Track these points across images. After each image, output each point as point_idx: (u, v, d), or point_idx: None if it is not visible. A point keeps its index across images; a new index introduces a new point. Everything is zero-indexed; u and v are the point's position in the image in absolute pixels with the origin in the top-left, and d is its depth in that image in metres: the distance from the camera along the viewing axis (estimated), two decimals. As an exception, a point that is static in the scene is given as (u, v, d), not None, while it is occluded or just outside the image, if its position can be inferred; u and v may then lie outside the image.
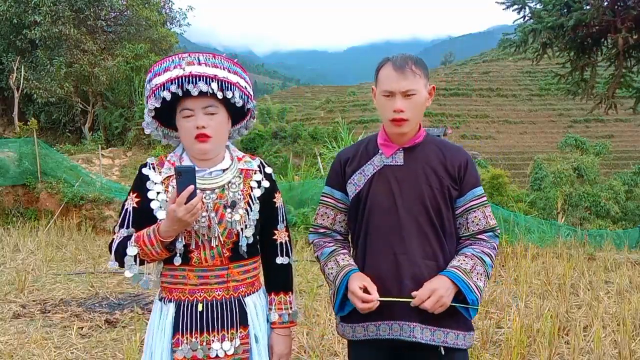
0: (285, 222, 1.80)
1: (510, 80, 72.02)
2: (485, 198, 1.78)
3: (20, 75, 15.16)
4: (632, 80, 10.12)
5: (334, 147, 11.22)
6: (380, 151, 1.77)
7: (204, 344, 1.59)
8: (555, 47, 10.12)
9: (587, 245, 8.31)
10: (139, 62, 16.06)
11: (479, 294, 1.65)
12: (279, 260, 1.76)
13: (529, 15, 9.94)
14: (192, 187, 1.47)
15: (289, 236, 1.81)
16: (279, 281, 1.78)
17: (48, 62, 15.31)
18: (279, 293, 1.77)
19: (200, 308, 1.60)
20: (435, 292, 1.59)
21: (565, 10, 9.50)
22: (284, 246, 1.78)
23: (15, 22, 15.27)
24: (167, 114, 1.66)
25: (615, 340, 3.54)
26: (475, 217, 1.74)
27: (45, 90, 15.06)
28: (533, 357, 3.33)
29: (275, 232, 1.77)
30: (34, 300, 4.90)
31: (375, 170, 1.76)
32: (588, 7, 9.13)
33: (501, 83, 71.06)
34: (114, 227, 1.67)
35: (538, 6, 9.82)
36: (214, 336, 1.60)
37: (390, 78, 1.67)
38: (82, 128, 16.77)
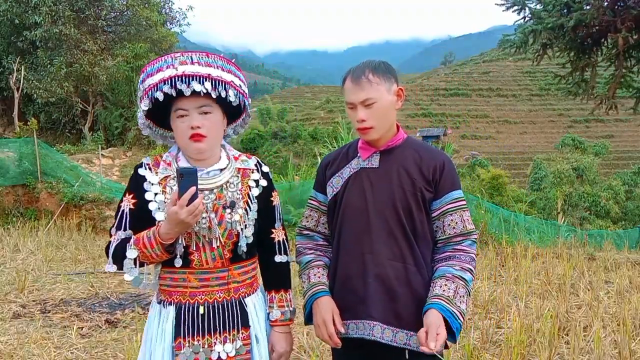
0: (281, 220, 1.81)
1: (510, 80, 72.05)
2: (464, 202, 1.76)
3: (21, 75, 15.16)
4: (632, 80, 10.13)
5: (334, 147, 11.22)
6: (358, 154, 1.81)
7: (206, 346, 1.59)
8: (556, 47, 10.13)
9: (587, 245, 8.31)
10: (139, 62, 16.05)
11: (462, 319, 1.65)
12: (278, 258, 1.77)
13: (529, 16, 9.95)
14: (194, 188, 1.46)
15: (285, 234, 1.82)
16: (279, 279, 1.79)
17: (48, 62, 15.31)
18: (279, 291, 1.77)
19: (202, 311, 1.59)
20: (431, 329, 1.57)
21: (565, 11, 9.51)
22: (282, 244, 1.79)
23: (17, 22, 15.28)
24: (162, 114, 1.65)
25: (615, 340, 3.54)
26: (452, 220, 1.73)
27: (46, 91, 15.06)
28: (533, 357, 3.33)
29: (273, 230, 1.77)
30: (34, 300, 4.90)
31: (351, 173, 1.79)
32: (588, 8, 9.14)
33: (501, 83, 71.09)
34: (111, 229, 1.64)
35: (538, 7, 9.83)
36: (216, 338, 1.60)
37: (349, 90, 1.72)
38: (82, 128, 16.76)
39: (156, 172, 1.63)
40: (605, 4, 9.20)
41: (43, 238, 7.99)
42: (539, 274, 5.67)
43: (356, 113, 1.71)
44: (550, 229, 10.70)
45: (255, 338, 1.68)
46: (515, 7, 9.96)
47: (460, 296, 1.65)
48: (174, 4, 19.17)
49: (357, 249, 1.73)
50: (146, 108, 1.58)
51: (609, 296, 4.86)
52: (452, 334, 1.63)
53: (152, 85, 1.55)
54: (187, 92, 1.52)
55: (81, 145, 15.14)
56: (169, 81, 1.52)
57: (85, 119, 16.79)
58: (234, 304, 1.64)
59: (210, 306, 1.61)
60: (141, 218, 1.59)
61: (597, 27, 9.54)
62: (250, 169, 1.72)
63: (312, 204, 1.91)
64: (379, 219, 1.71)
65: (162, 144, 1.78)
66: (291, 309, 1.79)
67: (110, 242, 1.61)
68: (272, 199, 1.76)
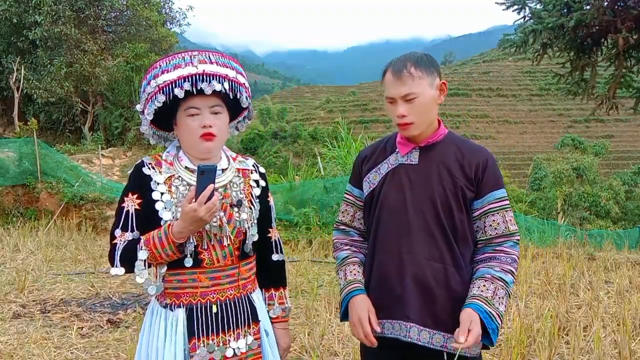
0: (274, 220, 1.85)
1: (510, 80, 72.09)
2: (507, 202, 1.69)
3: (21, 75, 15.16)
4: (632, 80, 10.12)
5: (334, 147, 11.22)
6: (397, 150, 1.75)
7: (221, 344, 1.60)
8: (556, 47, 10.12)
9: (587, 245, 8.32)
10: (139, 62, 16.05)
11: (499, 321, 1.61)
12: (275, 257, 1.80)
13: (529, 15, 9.94)
14: (212, 186, 1.47)
15: (278, 234, 1.87)
16: (278, 277, 1.83)
17: (48, 62, 15.30)
18: (279, 288, 1.82)
19: (215, 309, 1.60)
20: (462, 324, 1.56)
21: (565, 11, 9.50)
22: (278, 243, 1.83)
23: (16, 22, 15.28)
24: (157, 113, 1.62)
25: (615, 340, 3.54)
26: (494, 220, 1.67)
27: (46, 90, 15.05)
28: (533, 357, 3.33)
29: (270, 230, 1.80)
30: (34, 300, 4.90)
31: (389, 169, 1.74)
32: (588, 7, 9.13)
33: (501, 83, 71.16)
34: (113, 231, 1.59)
35: (538, 6, 9.83)
36: (230, 335, 1.62)
37: (389, 84, 1.66)
38: (82, 128, 16.75)
39: (160, 172, 1.61)
40: (605, 4, 9.20)
41: (43, 238, 7.99)
42: (539, 274, 5.67)
43: (396, 108, 1.64)
44: (550, 229, 10.71)
45: (264, 332, 1.71)
46: (515, 7, 9.95)
47: (499, 297, 1.61)
48: (174, 4, 19.17)
49: (395, 248, 1.69)
50: (160, 104, 1.56)
51: (609, 296, 4.86)
52: (488, 336, 1.60)
53: (169, 82, 1.53)
54: (209, 91, 1.53)
55: (81, 145, 15.13)
56: (190, 79, 1.52)
57: (85, 118, 16.78)
58: (243, 300, 1.66)
59: (223, 304, 1.62)
60: (147, 218, 1.57)
61: (597, 27, 9.54)
62: (249, 170, 1.75)
63: (347, 198, 1.87)
64: (418, 218, 1.66)
65: (153, 143, 1.75)
66: (289, 305, 1.83)
67: (115, 244, 1.57)
68: (268, 199, 1.79)
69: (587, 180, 26.39)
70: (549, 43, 9.87)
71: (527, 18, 10.04)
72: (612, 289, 5.04)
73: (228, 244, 1.61)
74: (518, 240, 1.69)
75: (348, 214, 1.87)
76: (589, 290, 5.03)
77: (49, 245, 7.59)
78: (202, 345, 1.58)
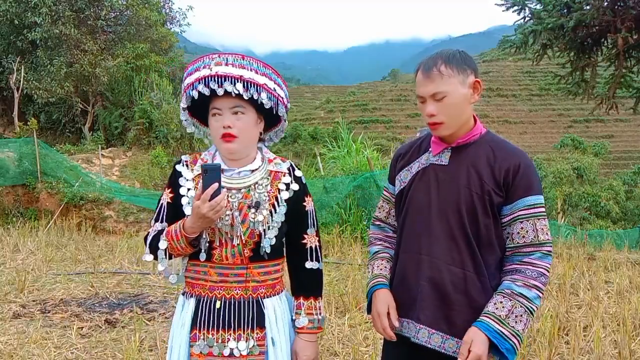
0: (315, 226, 1.77)
1: (510, 80, 72.11)
2: (540, 209, 1.60)
3: (21, 75, 15.16)
4: (632, 80, 10.13)
5: (334, 147, 11.21)
6: (430, 149, 1.72)
7: (220, 341, 1.61)
8: (555, 47, 10.12)
9: (587, 245, 8.32)
10: (139, 62, 16.05)
11: (515, 340, 1.52)
12: (309, 264, 1.74)
13: (529, 16, 9.94)
14: (216, 184, 1.51)
15: (319, 241, 1.78)
16: (309, 286, 1.76)
17: (48, 62, 15.29)
18: (309, 298, 1.74)
19: (218, 305, 1.63)
20: (463, 345, 1.52)
21: (565, 11, 9.50)
22: (314, 251, 1.75)
23: (16, 22, 15.28)
24: (204, 113, 1.70)
25: (615, 340, 3.54)
26: (522, 228, 1.59)
27: (46, 91, 15.04)
28: (533, 357, 3.33)
29: (305, 236, 1.74)
30: (34, 300, 4.90)
31: (420, 168, 1.72)
32: (588, 8, 9.13)
33: (501, 83, 71.13)
34: (151, 220, 1.72)
35: (538, 7, 9.82)
36: (230, 334, 1.62)
37: (419, 82, 1.63)
38: (82, 128, 16.74)
39: (192, 169, 1.69)
40: (605, 4, 9.19)
41: (43, 238, 7.99)
42: (539, 274, 5.67)
43: (426, 107, 1.62)
44: (550, 229, 10.70)
45: (271, 340, 1.66)
46: (515, 7, 9.95)
47: (516, 315, 1.53)
48: (174, 3, 19.17)
49: (415, 249, 1.67)
50: (185, 106, 1.68)
51: (609, 296, 4.86)
52: (503, 355, 1.53)
53: (189, 84, 1.63)
54: (220, 92, 1.57)
55: (81, 145, 15.12)
56: (203, 80, 1.59)
57: (85, 119, 16.77)
58: (251, 303, 1.65)
59: (227, 302, 1.64)
60: (176, 212, 1.67)
61: (597, 27, 9.54)
62: (282, 172, 1.72)
63: (385, 194, 1.89)
64: (441, 220, 1.63)
65: (207, 142, 1.82)
66: (320, 317, 1.74)
67: (149, 233, 1.69)
68: (304, 203, 1.74)
69: (587, 180, 26.42)
70: (548, 43, 9.88)
71: (527, 18, 10.04)
72: (612, 289, 5.04)
73: (238, 244, 1.62)
74: (549, 251, 1.60)
75: (384, 210, 1.89)
76: (589, 290, 5.03)
77: (49, 245, 7.59)
78: (201, 337, 1.62)
